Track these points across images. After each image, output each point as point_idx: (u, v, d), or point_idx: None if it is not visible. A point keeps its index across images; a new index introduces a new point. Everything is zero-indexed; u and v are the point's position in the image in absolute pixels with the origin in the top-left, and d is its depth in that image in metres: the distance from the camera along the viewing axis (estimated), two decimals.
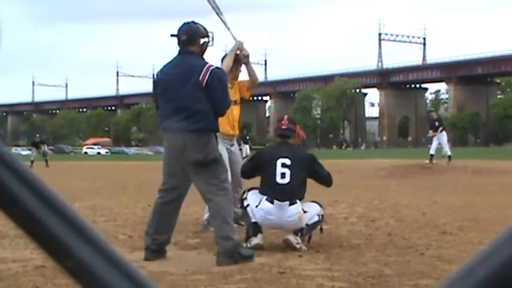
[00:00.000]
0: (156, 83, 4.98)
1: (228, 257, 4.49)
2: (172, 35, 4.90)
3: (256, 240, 5.05)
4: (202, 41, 4.91)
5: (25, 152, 75.54)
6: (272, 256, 4.78)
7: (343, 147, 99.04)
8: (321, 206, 5.35)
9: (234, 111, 6.20)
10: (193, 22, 4.97)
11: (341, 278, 4.03)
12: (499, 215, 7.26)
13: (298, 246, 5.01)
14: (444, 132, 18.68)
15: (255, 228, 5.10)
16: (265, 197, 5.10)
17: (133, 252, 4.92)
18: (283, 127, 5.45)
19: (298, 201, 5.11)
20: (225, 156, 5.79)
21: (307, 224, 5.12)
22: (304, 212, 5.12)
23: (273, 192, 5.10)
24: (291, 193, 5.08)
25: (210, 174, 4.70)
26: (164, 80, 4.86)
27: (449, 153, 18.43)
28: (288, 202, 5.05)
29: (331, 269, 4.29)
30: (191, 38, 4.84)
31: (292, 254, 4.85)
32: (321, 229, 5.38)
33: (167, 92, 4.79)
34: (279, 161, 5.18)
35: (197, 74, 4.68)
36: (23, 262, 4.56)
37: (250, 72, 6.22)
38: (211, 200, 4.71)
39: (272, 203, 5.07)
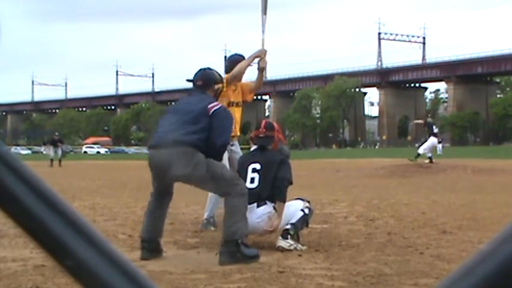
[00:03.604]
0: (166, 111, 5.25)
1: (230, 256, 4.48)
2: (188, 80, 5.21)
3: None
4: (216, 87, 5.14)
5: (24, 151, 75.61)
6: (272, 255, 4.78)
7: (361, 146, 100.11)
8: (303, 200, 5.29)
9: (236, 113, 6.20)
10: (208, 68, 5.24)
11: (340, 277, 4.03)
12: (498, 214, 7.26)
13: (292, 248, 4.98)
14: (432, 138, 18.91)
15: None
16: None
17: (132, 252, 4.92)
18: (261, 135, 5.37)
19: (268, 202, 5.09)
20: (225, 156, 5.80)
21: (292, 223, 5.08)
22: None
23: None
24: (259, 195, 5.05)
25: (214, 188, 4.87)
26: (176, 105, 5.19)
27: (429, 155, 18.63)
28: (255, 204, 5.03)
29: (330, 268, 4.29)
30: (206, 84, 5.08)
31: (291, 254, 4.85)
32: (307, 223, 5.30)
33: (173, 112, 5.03)
34: (250, 167, 5.20)
35: (207, 102, 4.85)
36: (22, 261, 4.56)
37: (260, 78, 6.30)
38: (225, 198, 4.75)
39: None
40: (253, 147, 5.47)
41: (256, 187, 5.09)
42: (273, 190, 5.10)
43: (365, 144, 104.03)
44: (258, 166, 5.18)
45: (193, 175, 4.66)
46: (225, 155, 5.85)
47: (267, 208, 5.08)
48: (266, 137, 5.34)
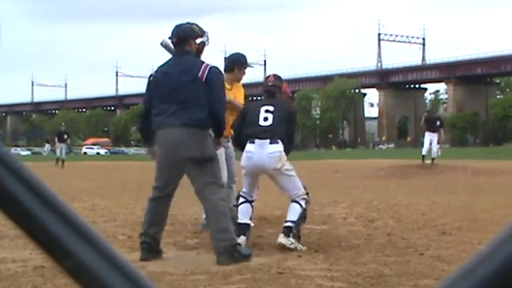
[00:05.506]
0: (152, 83, 4.88)
1: (228, 256, 4.49)
2: (168, 38, 4.91)
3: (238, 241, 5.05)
4: (198, 41, 4.85)
5: (24, 152, 75.58)
6: (271, 256, 4.78)
7: (371, 147, 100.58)
8: (304, 187, 5.35)
9: (229, 115, 6.18)
10: (187, 23, 4.91)
11: (340, 278, 4.03)
12: (498, 215, 7.26)
13: (293, 246, 5.01)
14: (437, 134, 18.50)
15: (240, 229, 5.13)
16: (248, 141, 5.25)
17: (132, 253, 4.92)
18: (270, 83, 5.62)
19: (280, 141, 5.21)
20: (222, 152, 5.85)
21: (293, 221, 5.12)
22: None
23: (255, 132, 5.25)
24: (273, 133, 5.20)
25: (210, 173, 4.70)
26: (162, 78, 4.78)
27: (439, 154, 18.24)
28: (268, 140, 5.17)
29: (330, 269, 4.30)
30: (183, 38, 4.77)
31: (291, 255, 4.85)
32: (305, 218, 5.34)
33: (164, 89, 4.72)
34: (263, 108, 5.37)
35: (197, 70, 4.66)
36: (22, 262, 4.56)
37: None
38: (208, 199, 4.70)
39: (253, 143, 5.22)
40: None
41: (270, 125, 5.23)
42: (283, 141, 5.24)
43: (373, 144, 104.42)
44: (271, 108, 5.34)
45: (201, 158, 4.64)
46: (222, 151, 5.89)
47: (279, 147, 5.19)
48: (274, 85, 5.59)
